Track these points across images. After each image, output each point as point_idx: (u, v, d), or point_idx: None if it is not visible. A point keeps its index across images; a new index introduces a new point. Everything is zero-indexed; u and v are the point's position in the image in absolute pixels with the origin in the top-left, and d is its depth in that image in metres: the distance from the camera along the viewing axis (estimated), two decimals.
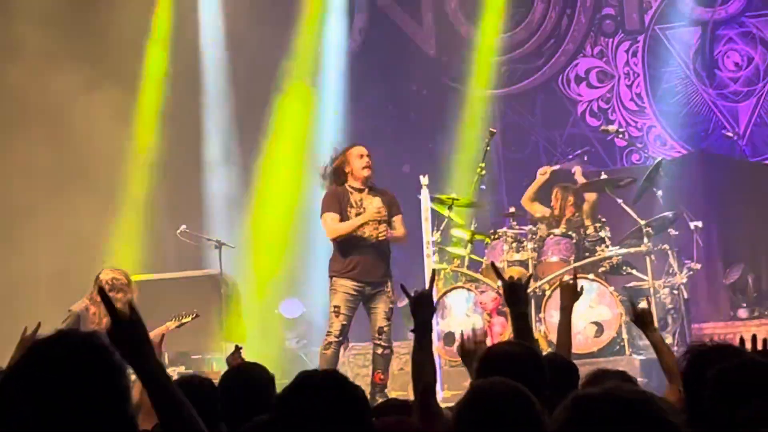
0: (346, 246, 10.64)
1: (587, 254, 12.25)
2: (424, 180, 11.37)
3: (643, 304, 6.49)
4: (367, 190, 10.74)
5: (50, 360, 2.53)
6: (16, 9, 15.04)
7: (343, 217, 10.65)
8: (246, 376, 5.06)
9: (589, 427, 2.27)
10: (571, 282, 6.14)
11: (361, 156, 10.82)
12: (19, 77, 14.51)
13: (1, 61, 14.80)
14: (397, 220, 10.76)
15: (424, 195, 11.47)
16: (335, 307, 10.61)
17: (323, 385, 3.21)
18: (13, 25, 14.83)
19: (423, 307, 4.61)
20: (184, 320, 11.55)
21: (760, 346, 4.49)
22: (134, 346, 2.81)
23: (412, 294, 4.65)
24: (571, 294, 6.11)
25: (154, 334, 10.72)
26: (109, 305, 2.91)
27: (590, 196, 12.94)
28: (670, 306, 11.61)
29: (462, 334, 5.50)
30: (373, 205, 10.59)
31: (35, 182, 14.42)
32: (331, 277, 10.73)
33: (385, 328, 10.44)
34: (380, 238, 10.55)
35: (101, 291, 3.37)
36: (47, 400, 2.48)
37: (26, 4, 15.03)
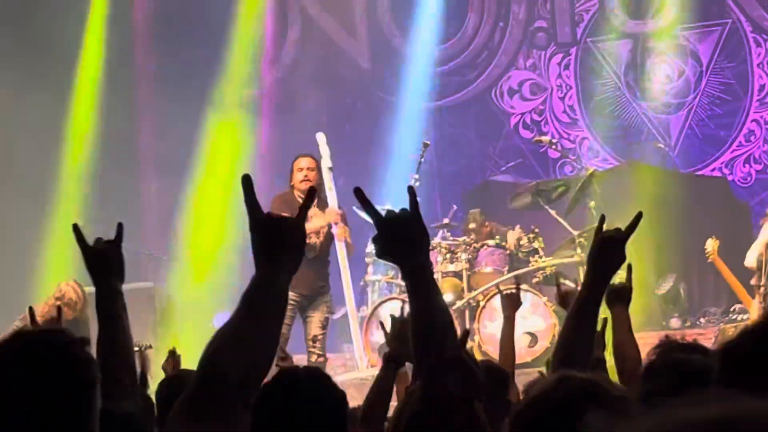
0: None
1: (521, 265, 12.35)
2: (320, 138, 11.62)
3: (569, 283, 6.55)
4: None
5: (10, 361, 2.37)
6: None
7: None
8: (183, 382, 5.08)
9: None
10: (513, 291, 6.22)
11: (300, 169, 10.89)
12: None
13: None
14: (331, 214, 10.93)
15: (321, 140, 11.65)
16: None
17: (305, 383, 3.22)
18: None
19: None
20: (138, 346, 11.53)
21: None
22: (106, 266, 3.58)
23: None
24: (513, 303, 6.19)
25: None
26: (82, 241, 3.66)
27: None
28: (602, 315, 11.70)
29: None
30: (318, 218, 10.74)
31: None
32: None
33: (319, 337, 10.57)
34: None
35: (75, 228, 3.75)
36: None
37: None
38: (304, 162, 10.99)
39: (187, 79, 15.39)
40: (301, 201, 10.64)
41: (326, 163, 11.75)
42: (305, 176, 10.83)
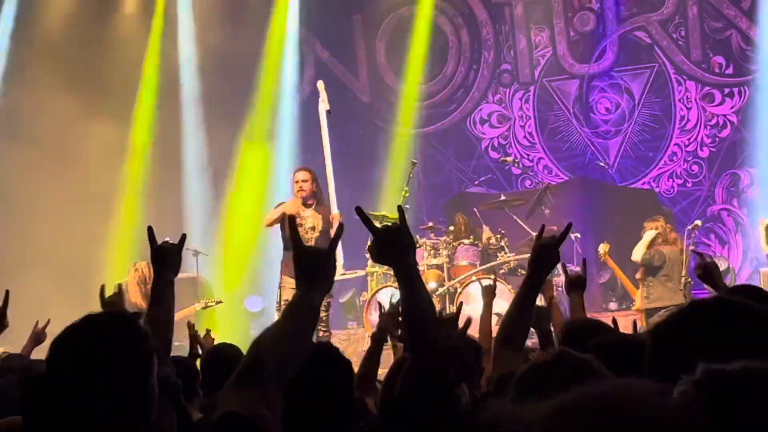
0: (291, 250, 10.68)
1: (490, 259, 12.39)
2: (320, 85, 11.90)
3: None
4: (310, 207, 10.80)
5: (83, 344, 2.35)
6: (31, 39, 14.96)
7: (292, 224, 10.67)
8: (223, 353, 5.11)
9: None
10: (491, 284, 6.34)
11: (297, 181, 10.90)
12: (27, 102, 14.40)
13: (16, 86, 14.69)
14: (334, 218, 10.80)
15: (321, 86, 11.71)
16: (284, 301, 10.61)
17: (317, 354, 3.22)
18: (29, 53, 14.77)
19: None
20: (209, 304, 11.68)
21: (621, 329, 4.61)
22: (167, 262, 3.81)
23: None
24: (491, 293, 6.31)
25: (182, 315, 10.93)
26: (153, 240, 3.87)
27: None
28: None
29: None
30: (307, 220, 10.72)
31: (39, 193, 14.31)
32: (281, 276, 10.78)
33: (323, 318, 10.41)
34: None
35: (149, 229, 3.92)
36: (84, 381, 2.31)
37: (41, 36, 14.97)
38: (300, 175, 10.98)
39: (225, 106, 15.43)
40: (300, 205, 10.70)
41: (324, 106, 11.79)
42: (300, 187, 10.83)
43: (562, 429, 1.19)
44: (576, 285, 5.49)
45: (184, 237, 4.00)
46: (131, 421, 2.34)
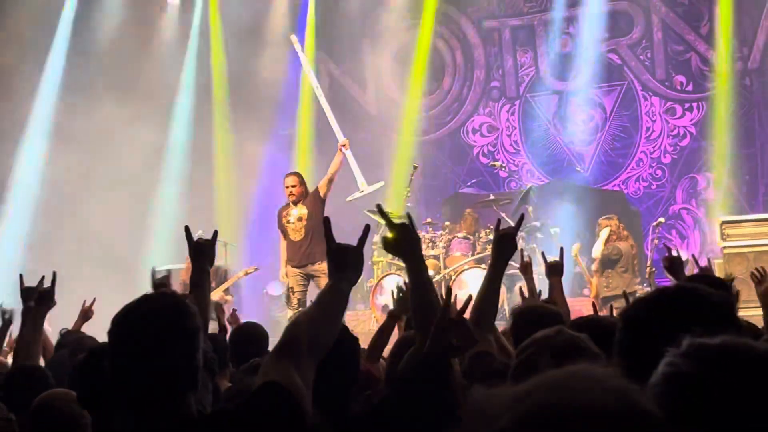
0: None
1: (480, 251, 12.39)
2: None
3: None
4: (295, 205, 10.78)
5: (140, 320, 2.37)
6: (84, 47, 15.01)
7: (280, 225, 10.71)
8: (248, 330, 5.12)
9: None
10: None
11: (287, 187, 10.87)
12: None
13: (70, 91, 14.72)
14: (321, 185, 10.72)
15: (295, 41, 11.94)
16: (290, 288, 10.63)
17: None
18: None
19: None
20: (249, 271, 11.80)
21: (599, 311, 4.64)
22: (203, 255, 3.84)
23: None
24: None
25: (229, 283, 10.98)
26: (189, 237, 3.88)
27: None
28: (537, 288, 11.69)
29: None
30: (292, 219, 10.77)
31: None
32: (285, 266, 10.89)
33: None
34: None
35: (186, 229, 3.94)
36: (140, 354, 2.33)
37: (93, 44, 15.02)
38: (288, 180, 10.94)
39: (251, 113, 15.41)
40: (287, 207, 10.70)
41: (305, 62, 11.75)
42: (290, 192, 10.81)
43: (521, 415, 1.18)
44: (554, 270, 5.51)
45: (215, 233, 4.03)
46: (182, 389, 2.35)
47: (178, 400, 2.34)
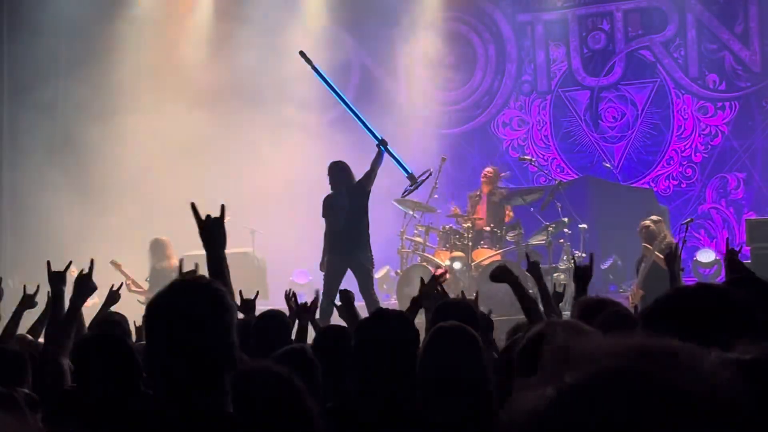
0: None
1: (508, 244, 12.38)
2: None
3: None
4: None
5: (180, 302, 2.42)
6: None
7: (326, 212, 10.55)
8: (273, 317, 5.15)
9: None
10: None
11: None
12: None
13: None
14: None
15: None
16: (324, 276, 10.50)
17: (393, 317, 3.59)
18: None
19: None
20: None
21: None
22: (213, 238, 3.52)
23: None
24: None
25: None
26: (198, 217, 3.56)
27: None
28: (563, 282, 11.69)
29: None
30: None
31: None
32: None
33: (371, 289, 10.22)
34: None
35: (192, 206, 3.60)
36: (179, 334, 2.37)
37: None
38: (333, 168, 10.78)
39: (275, 105, 15.42)
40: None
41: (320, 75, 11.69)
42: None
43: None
44: (583, 277, 5.38)
45: (223, 207, 3.61)
46: (220, 366, 2.38)
47: (218, 381, 2.37)
